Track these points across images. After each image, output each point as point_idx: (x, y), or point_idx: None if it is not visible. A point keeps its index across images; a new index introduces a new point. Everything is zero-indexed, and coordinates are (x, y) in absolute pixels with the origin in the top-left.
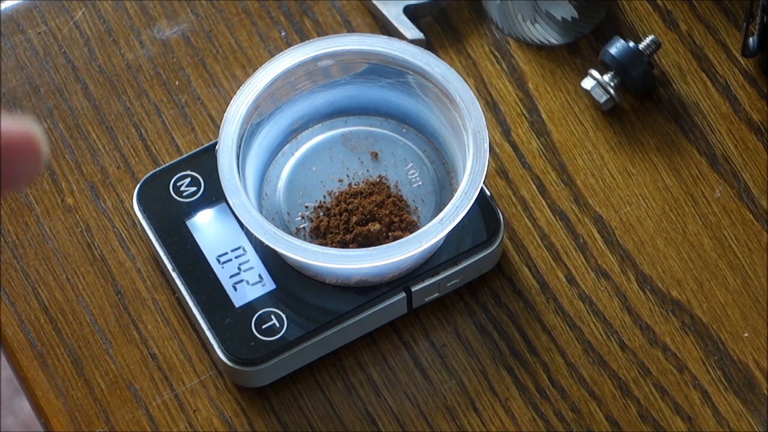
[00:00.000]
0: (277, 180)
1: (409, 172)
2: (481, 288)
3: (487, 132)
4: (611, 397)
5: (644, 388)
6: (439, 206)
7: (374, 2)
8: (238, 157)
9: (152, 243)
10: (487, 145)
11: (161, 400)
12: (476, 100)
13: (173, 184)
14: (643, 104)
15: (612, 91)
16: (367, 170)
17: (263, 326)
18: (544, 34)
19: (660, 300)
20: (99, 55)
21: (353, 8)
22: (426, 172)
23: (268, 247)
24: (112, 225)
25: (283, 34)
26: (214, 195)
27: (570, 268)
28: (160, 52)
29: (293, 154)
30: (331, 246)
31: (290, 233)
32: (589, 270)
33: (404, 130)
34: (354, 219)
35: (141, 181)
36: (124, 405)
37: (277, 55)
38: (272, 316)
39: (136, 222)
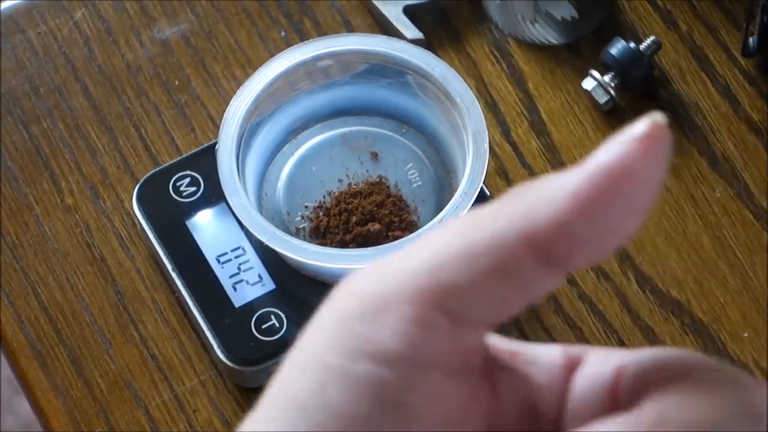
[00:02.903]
0: (277, 180)
1: (409, 172)
2: None
3: (487, 132)
4: None
5: None
6: (439, 206)
7: (374, 2)
8: (237, 157)
9: (152, 243)
10: (487, 145)
11: (161, 400)
12: (476, 100)
13: (173, 184)
14: (644, 104)
15: (612, 92)
16: (367, 170)
17: (263, 326)
18: (544, 34)
19: (660, 300)
20: (99, 55)
21: (353, 8)
22: (426, 172)
23: (267, 247)
24: (112, 225)
25: (283, 34)
26: (213, 195)
27: None
28: (160, 52)
29: (293, 154)
30: (331, 246)
31: (290, 233)
32: (589, 270)
33: (404, 130)
34: (354, 219)
35: (140, 181)
36: (124, 405)
37: (277, 55)
38: (272, 316)
39: (136, 222)
